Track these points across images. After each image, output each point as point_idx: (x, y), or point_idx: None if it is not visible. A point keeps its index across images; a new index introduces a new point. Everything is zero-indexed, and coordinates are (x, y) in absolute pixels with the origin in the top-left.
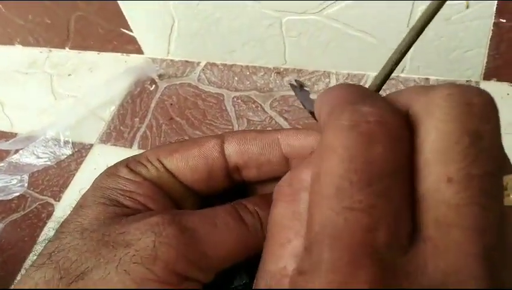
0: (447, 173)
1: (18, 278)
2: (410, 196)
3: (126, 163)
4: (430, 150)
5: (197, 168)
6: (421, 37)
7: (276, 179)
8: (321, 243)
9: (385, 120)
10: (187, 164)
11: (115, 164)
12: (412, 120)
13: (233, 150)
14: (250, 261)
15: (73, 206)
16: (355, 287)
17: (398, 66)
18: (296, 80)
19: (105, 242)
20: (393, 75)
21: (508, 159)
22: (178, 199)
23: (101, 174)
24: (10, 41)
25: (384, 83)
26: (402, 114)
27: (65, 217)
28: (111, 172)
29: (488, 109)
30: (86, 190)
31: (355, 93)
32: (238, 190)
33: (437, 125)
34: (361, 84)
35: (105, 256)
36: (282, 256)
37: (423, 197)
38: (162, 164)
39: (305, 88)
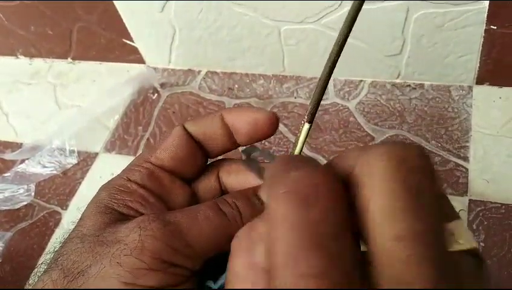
0: (395, 231)
1: (27, 285)
2: (357, 252)
3: (120, 175)
4: (375, 209)
5: (176, 150)
6: (415, 43)
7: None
8: None
9: (316, 181)
10: (167, 150)
11: (108, 181)
12: (356, 181)
13: (191, 128)
14: None
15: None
16: None
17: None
18: (245, 148)
19: (100, 242)
20: (389, 80)
21: (451, 205)
22: (168, 190)
23: (98, 189)
24: (12, 52)
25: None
26: (335, 174)
27: (72, 225)
28: (105, 186)
29: (423, 162)
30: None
31: (290, 162)
32: None
33: (379, 185)
34: (357, 90)
35: (101, 253)
36: None
37: (376, 256)
38: (150, 162)
39: (252, 156)
